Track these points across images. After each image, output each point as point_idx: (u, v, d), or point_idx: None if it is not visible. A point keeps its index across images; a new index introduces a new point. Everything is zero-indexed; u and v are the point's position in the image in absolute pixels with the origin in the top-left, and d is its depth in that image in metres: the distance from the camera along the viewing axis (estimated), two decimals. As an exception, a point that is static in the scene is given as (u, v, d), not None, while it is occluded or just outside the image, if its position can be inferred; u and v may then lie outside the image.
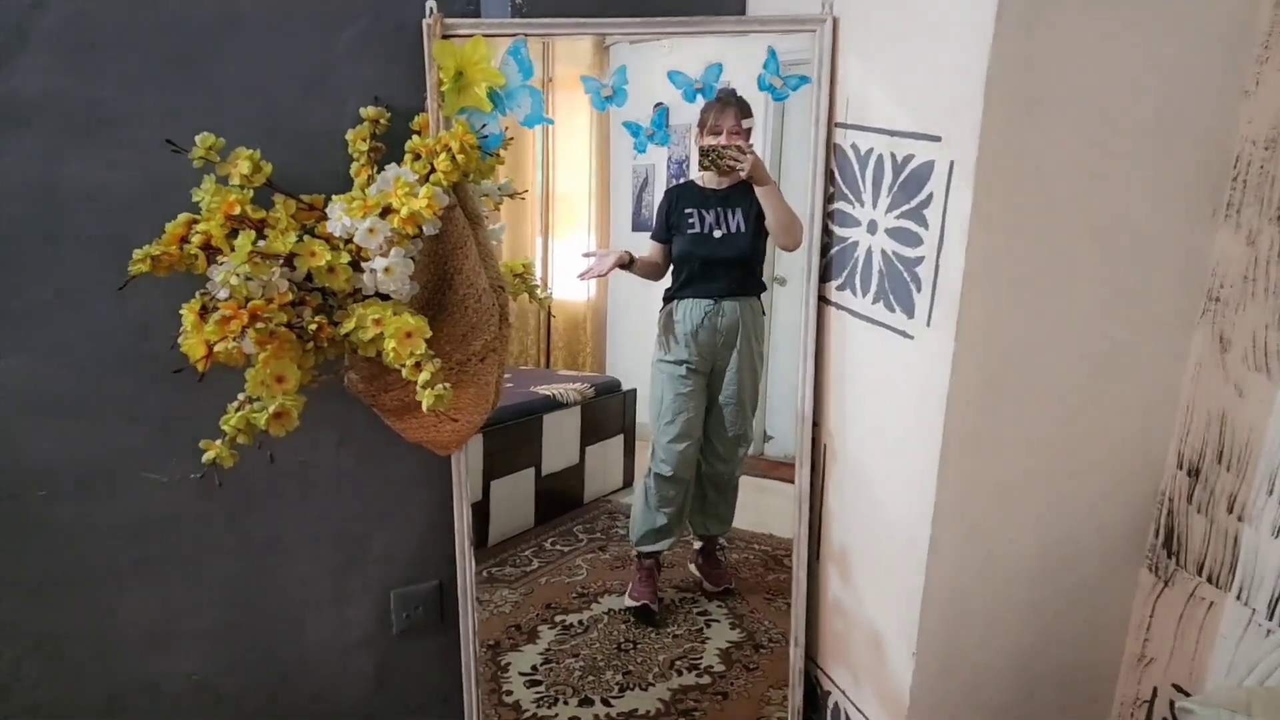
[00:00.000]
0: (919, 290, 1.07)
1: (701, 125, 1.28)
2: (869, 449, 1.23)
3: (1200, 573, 1.23)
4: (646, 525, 1.48)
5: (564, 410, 1.51)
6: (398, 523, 1.44)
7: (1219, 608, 1.20)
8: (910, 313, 1.09)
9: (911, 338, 1.10)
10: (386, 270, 1.03)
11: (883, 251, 1.14)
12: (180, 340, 1.02)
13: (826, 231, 1.24)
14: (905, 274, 1.10)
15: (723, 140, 1.27)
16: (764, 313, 1.38)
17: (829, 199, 1.23)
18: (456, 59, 1.16)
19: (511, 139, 1.25)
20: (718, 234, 1.34)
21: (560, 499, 1.55)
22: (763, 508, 1.45)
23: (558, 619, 1.49)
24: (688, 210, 1.35)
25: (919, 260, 1.07)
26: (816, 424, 1.32)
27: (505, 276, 1.30)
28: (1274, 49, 1.06)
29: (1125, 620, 1.35)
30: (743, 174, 1.28)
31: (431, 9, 1.18)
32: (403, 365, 0.99)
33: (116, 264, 1.01)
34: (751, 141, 1.28)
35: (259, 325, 0.97)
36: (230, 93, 1.15)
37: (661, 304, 1.40)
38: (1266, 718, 0.93)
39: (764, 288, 1.38)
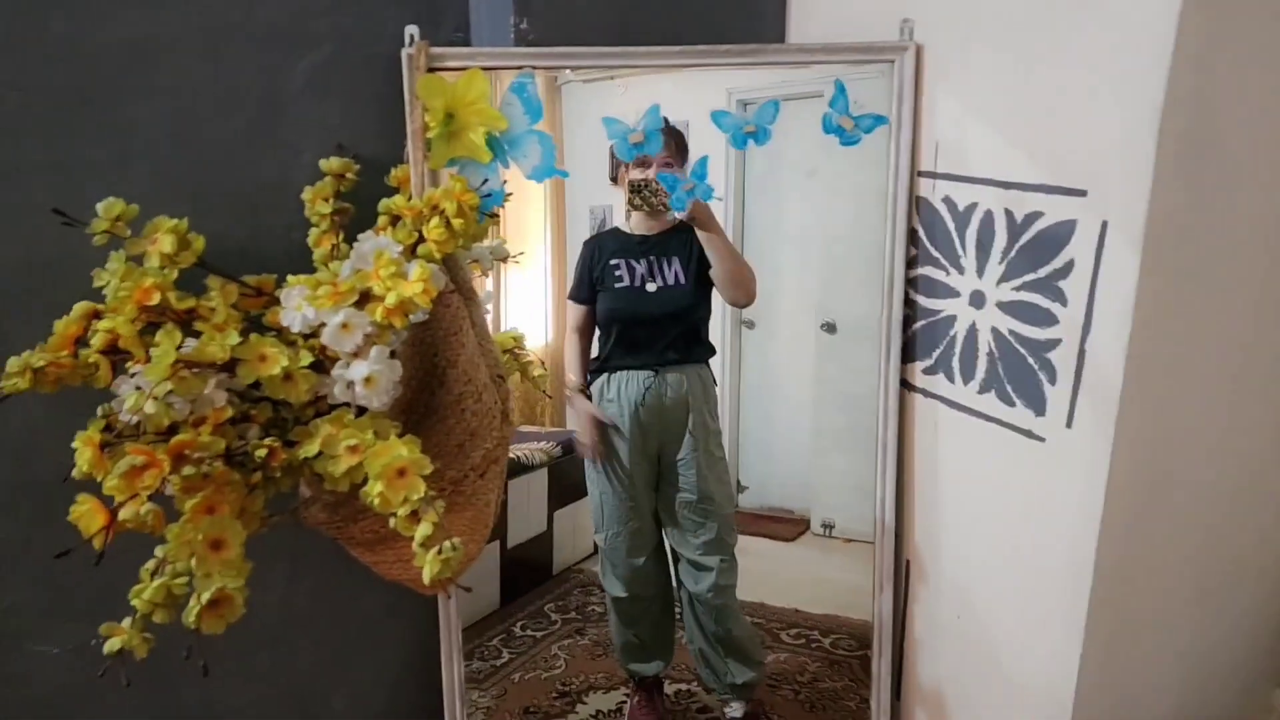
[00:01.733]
0: (1053, 382, 0.85)
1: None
2: (976, 571, 0.99)
3: (1362, 701, 1.03)
4: (624, 641, 1.24)
5: (530, 474, 1.30)
6: (364, 672, 1.15)
7: (1390, 744, 1.00)
8: (1040, 409, 0.87)
9: (1042, 440, 0.87)
10: (368, 381, 0.76)
11: (994, 330, 0.91)
12: (74, 473, 0.73)
13: (908, 302, 1.02)
14: (1030, 359, 0.87)
15: (653, 174, 1.03)
16: (715, 382, 1.14)
17: (910, 263, 1.01)
18: (447, 97, 0.91)
19: (510, 194, 1.01)
20: (651, 287, 1.10)
21: (528, 573, 1.33)
22: (746, 572, 1.21)
23: (539, 729, 1.23)
24: (614, 262, 1.10)
25: (1052, 344, 0.85)
26: (899, 536, 1.08)
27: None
28: None
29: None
30: (679, 215, 1.04)
31: (413, 35, 0.94)
32: (392, 514, 0.72)
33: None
34: (691, 177, 1.04)
35: (186, 470, 0.68)
36: (145, 142, 0.88)
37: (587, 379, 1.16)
38: None
39: (713, 351, 1.14)
